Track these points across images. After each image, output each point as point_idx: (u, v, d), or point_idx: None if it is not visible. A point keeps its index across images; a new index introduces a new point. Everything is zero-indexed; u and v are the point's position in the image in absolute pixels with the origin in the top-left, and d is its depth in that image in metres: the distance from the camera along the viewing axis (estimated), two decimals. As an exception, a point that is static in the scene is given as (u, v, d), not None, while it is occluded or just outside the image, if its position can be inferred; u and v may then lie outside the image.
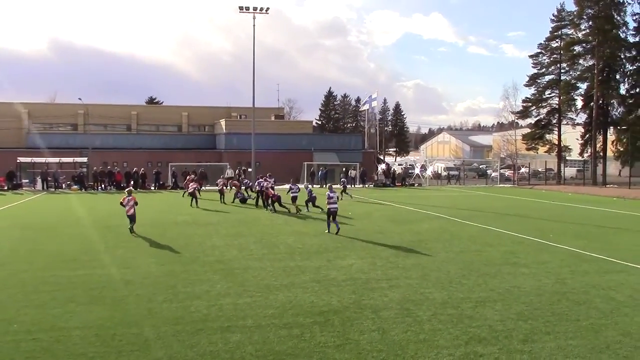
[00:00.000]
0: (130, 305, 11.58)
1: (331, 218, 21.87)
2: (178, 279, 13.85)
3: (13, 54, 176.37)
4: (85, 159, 50.27)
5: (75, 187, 45.42)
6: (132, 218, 21.49)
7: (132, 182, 44.93)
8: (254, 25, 50.51)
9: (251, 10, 50.20)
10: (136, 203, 21.77)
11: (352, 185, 52.02)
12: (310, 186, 32.04)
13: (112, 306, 11.51)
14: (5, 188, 44.24)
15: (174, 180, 48.09)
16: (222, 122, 66.97)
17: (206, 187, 43.32)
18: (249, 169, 50.03)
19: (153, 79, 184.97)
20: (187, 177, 39.24)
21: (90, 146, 53.21)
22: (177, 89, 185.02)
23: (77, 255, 16.92)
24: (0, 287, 13.05)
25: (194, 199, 32.24)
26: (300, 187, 30.73)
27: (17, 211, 30.27)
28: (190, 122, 74.79)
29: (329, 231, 21.79)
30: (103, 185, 46.42)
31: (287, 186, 30.95)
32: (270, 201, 29.42)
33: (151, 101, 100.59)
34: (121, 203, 21.80)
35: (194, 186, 33.42)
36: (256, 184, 32.77)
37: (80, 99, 59.05)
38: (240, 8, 50.19)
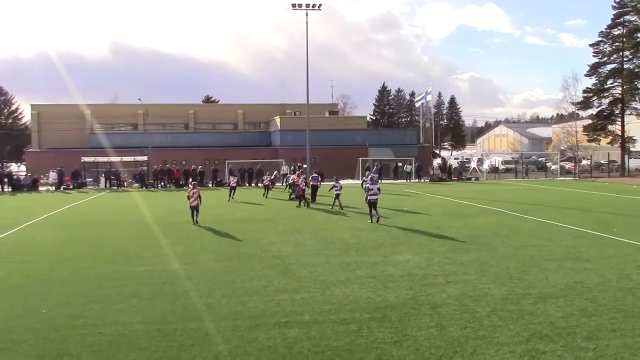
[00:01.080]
0: (190, 300, 11.82)
1: (372, 208, 23.25)
2: (236, 275, 14.06)
3: (76, 57, 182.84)
4: (145, 158, 51.65)
5: (136, 185, 46.78)
6: (196, 209, 23.58)
7: (190, 180, 45.82)
8: (306, 22, 50.71)
9: (304, 7, 50.37)
10: (200, 197, 23.77)
11: (408, 180, 51.75)
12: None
13: (173, 301, 11.78)
14: (71, 187, 45.91)
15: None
16: (277, 119, 67.51)
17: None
18: (305, 165, 50.26)
19: (209, 78, 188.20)
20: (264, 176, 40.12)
21: (150, 145, 54.55)
22: (232, 87, 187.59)
23: (139, 252, 17.39)
24: (66, 283, 13.52)
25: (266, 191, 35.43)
26: (342, 184, 30.14)
27: (81, 209, 31.32)
28: (245, 119, 75.68)
29: (371, 221, 23.09)
30: (163, 183, 47.59)
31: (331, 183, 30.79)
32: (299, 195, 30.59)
33: (207, 100, 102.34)
34: (188, 196, 23.91)
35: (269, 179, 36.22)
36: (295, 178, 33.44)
37: (139, 99, 60.70)
38: (293, 5, 50.43)
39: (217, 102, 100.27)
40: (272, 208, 29.74)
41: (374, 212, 23.32)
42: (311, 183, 32.95)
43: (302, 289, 12.64)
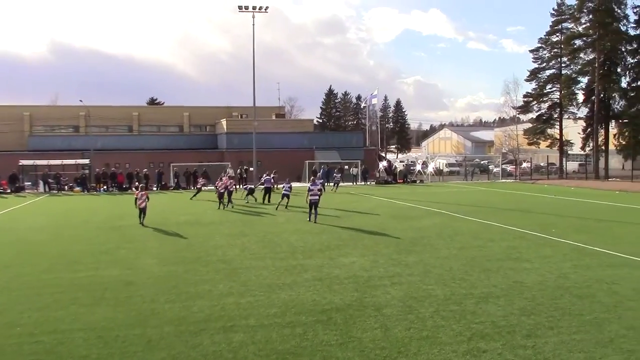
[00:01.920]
0: (133, 306, 11.58)
1: (312, 208, 24.50)
2: (180, 279, 13.86)
3: (14, 57, 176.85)
4: (87, 161, 50.39)
5: (78, 188, 45.51)
6: (143, 211, 24.11)
7: (136, 183, 45.03)
8: (253, 25, 50.42)
9: (250, 9, 50.11)
10: (148, 198, 24.40)
11: (354, 183, 52.08)
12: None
13: (114, 307, 11.52)
14: (8, 191, 44.30)
15: (176, 180, 48.19)
16: (223, 121, 66.99)
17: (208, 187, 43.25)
18: (251, 168, 50.00)
19: (153, 80, 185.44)
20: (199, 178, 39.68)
21: (92, 148, 53.27)
22: (177, 89, 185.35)
23: (80, 257, 16.93)
24: (3, 290, 13.06)
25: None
26: (291, 185, 31.97)
27: (19, 214, 30.32)
28: (191, 122, 74.85)
29: (309, 219, 24.39)
30: (105, 187, 46.49)
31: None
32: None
33: (152, 102, 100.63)
34: (136, 198, 24.61)
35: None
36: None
37: (81, 100, 59.10)
38: (240, 7, 50.08)
39: (162, 104, 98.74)
40: (218, 211, 29.45)
41: (313, 211, 24.52)
42: (265, 185, 34.12)
43: (248, 292, 12.55)
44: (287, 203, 29.72)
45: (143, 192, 24.62)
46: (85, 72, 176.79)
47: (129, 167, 51.42)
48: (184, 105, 79.06)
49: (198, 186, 37.64)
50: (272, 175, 35.95)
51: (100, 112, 67.28)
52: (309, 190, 25.01)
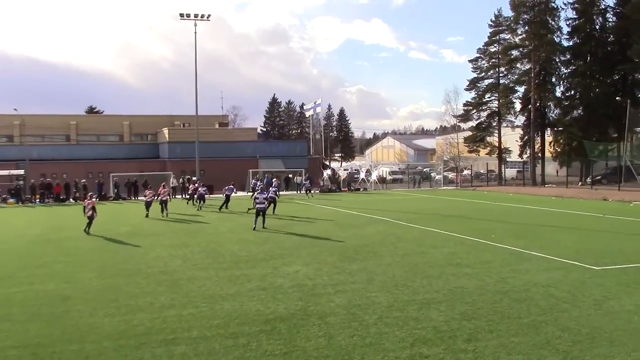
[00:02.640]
0: (70, 321, 11.21)
1: (259, 215, 25.16)
2: (120, 292, 13.51)
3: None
4: (21, 172, 48.68)
5: (12, 200, 43.85)
6: (90, 219, 24.20)
7: (76, 193, 43.94)
8: (195, 33, 50.07)
9: (192, 17, 49.68)
10: (94, 207, 24.59)
11: (299, 191, 52.07)
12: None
13: (50, 323, 11.12)
14: (-64, 204, 42.38)
15: (116, 191, 47.14)
16: (165, 130, 65.95)
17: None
18: (194, 178, 49.40)
19: (92, 88, 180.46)
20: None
21: (27, 158, 51.51)
22: (117, 97, 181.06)
23: (13, 272, 16.29)
24: None
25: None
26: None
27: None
28: (132, 131, 73.31)
29: (255, 228, 24.61)
30: (41, 198, 45.02)
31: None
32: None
33: (91, 110, 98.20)
34: (83, 207, 25.18)
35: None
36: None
37: (15, 109, 57.16)
38: (181, 15, 49.65)
39: (102, 112, 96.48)
40: (160, 222, 28.92)
41: (259, 219, 25.09)
42: (226, 193, 35.66)
43: (190, 304, 12.35)
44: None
45: (90, 201, 25.09)
46: (20, 80, 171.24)
47: (67, 178, 49.88)
48: (125, 114, 77.40)
49: (148, 199, 34.88)
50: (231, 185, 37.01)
51: (36, 121, 65.07)
52: (255, 198, 25.98)
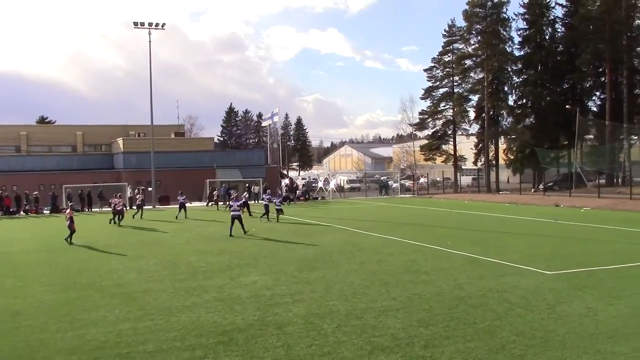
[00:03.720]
0: (20, 337, 10.86)
1: (234, 222, 26.04)
2: (73, 306, 13.17)
3: None
4: (-31, 184, 47.23)
5: (-41, 214, 42.51)
6: (69, 229, 24.42)
7: (27, 206, 42.77)
8: (149, 42, 49.44)
9: (146, 25, 49.10)
10: (72, 218, 24.67)
11: (255, 201, 51.80)
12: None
13: (-1, 340, 10.77)
14: None
15: (70, 203, 46.06)
16: (120, 141, 64.89)
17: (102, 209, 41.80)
18: (149, 189, 48.76)
19: (43, 97, 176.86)
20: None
21: (-25, 170, 50.05)
22: (70, 107, 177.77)
23: (-39, 287, 15.77)
24: None
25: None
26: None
27: None
28: (85, 141, 71.93)
29: (230, 234, 25.62)
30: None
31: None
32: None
33: (42, 120, 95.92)
34: (65, 217, 25.52)
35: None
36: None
37: (-37, 120, 55.52)
38: (135, 24, 48.99)
39: (54, 122, 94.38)
40: (115, 234, 28.40)
41: (236, 226, 26.05)
42: (180, 201, 37.33)
43: (146, 317, 12.12)
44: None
45: (68, 211, 25.55)
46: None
47: (17, 190, 48.52)
48: (77, 124, 75.90)
49: (119, 208, 33.76)
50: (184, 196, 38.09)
51: (-16, 132, 63.44)
52: (230, 206, 28.02)
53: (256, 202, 51.25)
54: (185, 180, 51.86)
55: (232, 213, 26.71)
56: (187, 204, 38.66)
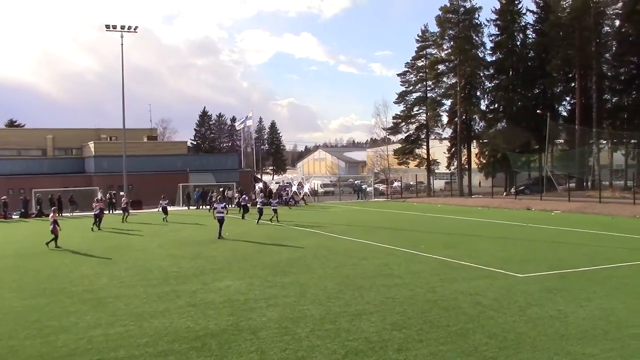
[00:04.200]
0: (-13, 345, 10.66)
1: (220, 224, 26.65)
2: (43, 313, 12.95)
3: None
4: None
5: None
6: (52, 233, 24.34)
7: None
8: (122, 45, 49.00)
9: (118, 28, 48.64)
10: (55, 221, 24.69)
11: (231, 205, 51.52)
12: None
13: (-34, 347, 10.54)
14: None
15: (38, 207, 45.36)
16: (91, 144, 64.14)
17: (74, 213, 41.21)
18: (122, 193, 48.20)
19: (13, 101, 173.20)
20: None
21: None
22: (40, 110, 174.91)
23: None
24: None
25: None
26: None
27: None
28: (55, 145, 70.92)
29: (219, 236, 26.25)
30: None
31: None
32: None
33: (11, 124, 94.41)
34: (50, 221, 25.27)
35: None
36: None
37: None
38: (107, 26, 48.52)
39: (23, 126, 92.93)
40: (87, 239, 28.02)
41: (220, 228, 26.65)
42: (163, 205, 38.41)
43: (117, 322, 11.96)
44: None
45: (52, 215, 25.52)
46: None
47: (-15, 194, 47.64)
48: (48, 127, 74.76)
49: (96, 212, 32.85)
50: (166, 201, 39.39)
51: (-48, 135, 62.18)
52: (214, 208, 28.60)
53: (231, 205, 51.04)
54: (158, 185, 51.33)
55: (216, 215, 27.18)
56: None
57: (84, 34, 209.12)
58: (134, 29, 49.43)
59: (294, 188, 62.42)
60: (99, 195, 45.14)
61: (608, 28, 59.61)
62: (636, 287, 14.35)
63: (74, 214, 44.89)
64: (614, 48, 58.98)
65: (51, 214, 26.06)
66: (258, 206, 35.49)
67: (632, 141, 57.51)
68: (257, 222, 33.79)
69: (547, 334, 10.46)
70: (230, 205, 50.65)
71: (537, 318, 11.57)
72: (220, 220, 26.77)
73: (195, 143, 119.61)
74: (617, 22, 58.90)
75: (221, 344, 10.33)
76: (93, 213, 32.79)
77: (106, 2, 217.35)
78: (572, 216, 36.25)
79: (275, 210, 35.61)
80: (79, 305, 13.66)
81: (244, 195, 43.13)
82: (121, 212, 38.68)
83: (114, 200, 45.78)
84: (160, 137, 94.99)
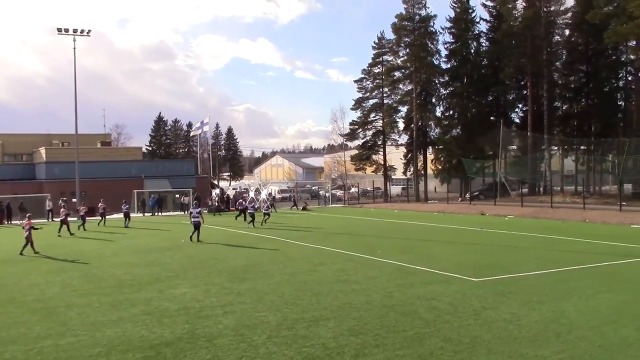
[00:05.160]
0: None
1: (195, 229, 27.80)
2: (-10, 324, 12.54)
3: None
4: None
5: None
6: (27, 240, 24.31)
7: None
8: (74, 48, 48.07)
9: (70, 32, 47.66)
10: (33, 227, 24.87)
11: (186, 212, 50.93)
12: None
13: None
14: None
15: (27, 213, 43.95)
16: (42, 150, 62.62)
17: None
18: (74, 199, 47.18)
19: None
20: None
21: None
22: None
23: None
24: None
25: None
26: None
27: None
28: (5, 151, 69.06)
29: (190, 239, 27.47)
30: None
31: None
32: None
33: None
34: (23, 227, 25.20)
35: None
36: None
37: None
38: (59, 30, 47.51)
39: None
40: (37, 246, 27.20)
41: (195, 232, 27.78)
42: (124, 211, 39.10)
43: (69, 332, 11.65)
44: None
45: (27, 222, 25.19)
46: None
47: None
48: (-3, 133, 72.72)
49: (62, 218, 32.50)
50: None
51: None
52: (190, 213, 30.09)
53: (185, 212, 50.50)
54: (112, 191, 50.37)
55: (193, 220, 28.18)
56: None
57: (33, 37, 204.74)
58: (87, 33, 48.52)
59: (252, 194, 62.10)
60: (49, 204, 44.19)
61: (558, 37, 61.35)
62: (586, 290, 14.70)
63: (23, 221, 43.60)
64: (564, 57, 60.70)
65: (26, 221, 25.46)
66: (249, 211, 36.49)
67: (582, 147, 59.20)
68: (249, 223, 35.43)
69: (501, 337, 10.62)
70: (185, 212, 50.17)
71: (492, 321, 11.74)
72: (196, 225, 27.72)
73: (150, 149, 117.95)
74: (567, 32, 60.65)
75: (176, 352, 10.17)
76: (60, 219, 32.82)
77: (57, 4, 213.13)
78: (525, 221, 37.00)
79: (266, 214, 38.06)
80: (29, 315, 13.26)
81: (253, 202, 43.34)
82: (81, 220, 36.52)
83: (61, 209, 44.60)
84: (114, 142, 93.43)
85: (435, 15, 63.44)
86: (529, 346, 10.06)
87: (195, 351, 10.19)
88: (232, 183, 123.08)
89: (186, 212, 50.68)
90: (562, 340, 10.42)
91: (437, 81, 65.63)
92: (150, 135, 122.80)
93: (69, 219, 32.63)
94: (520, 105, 65.76)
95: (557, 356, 9.53)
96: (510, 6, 59.81)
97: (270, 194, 61.45)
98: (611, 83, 57.89)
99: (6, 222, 43.53)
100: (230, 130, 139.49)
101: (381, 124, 68.19)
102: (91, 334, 11.51)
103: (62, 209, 33.44)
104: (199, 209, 29.99)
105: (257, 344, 10.51)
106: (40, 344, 10.87)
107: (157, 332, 11.50)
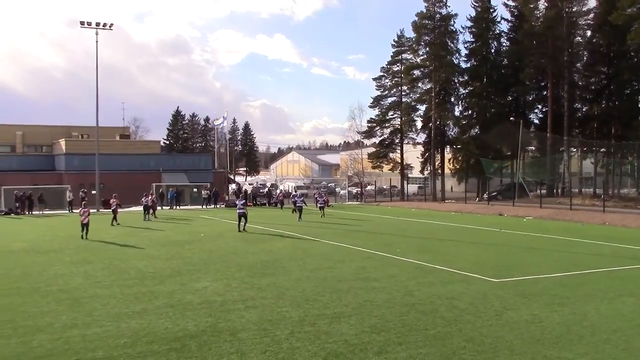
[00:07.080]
0: (-40, 345, 10.47)
1: (241, 219, 29.90)
2: (16, 312, 12.74)
3: None
4: None
5: None
6: (85, 226, 26.39)
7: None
8: (97, 42, 48.41)
9: (93, 25, 48.04)
10: (89, 213, 27.02)
11: (204, 206, 51.26)
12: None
13: (-62, 347, 10.34)
14: None
15: (17, 205, 44.56)
16: (62, 142, 63.17)
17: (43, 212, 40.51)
18: (93, 191, 47.62)
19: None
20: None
21: None
22: (8, 107, 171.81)
23: None
24: None
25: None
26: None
27: None
28: (25, 142, 69.72)
29: (239, 230, 29.41)
30: None
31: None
32: None
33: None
34: (80, 214, 27.02)
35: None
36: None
37: None
38: (82, 23, 47.88)
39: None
40: (58, 238, 27.60)
41: (242, 223, 29.80)
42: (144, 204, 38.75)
43: (94, 323, 11.84)
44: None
45: (86, 209, 26.88)
46: None
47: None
48: (17, 124, 73.38)
49: (113, 208, 34.30)
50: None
51: None
52: (236, 205, 32.29)
53: (204, 207, 50.84)
54: (130, 184, 50.80)
55: (238, 211, 30.10)
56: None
57: (51, 30, 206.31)
58: (110, 26, 48.87)
59: (281, 189, 62.09)
60: (69, 195, 44.59)
61: (580, 38, 60.68)
62: (608, 293, 14.64)
63: (44, 212, 44.21)
64: (585, 58, 60.10)
65: (86, 209, 27.05)
66: (298, 205, 37.94)
67: (601, 150, 58.66)
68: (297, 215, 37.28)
69: (524, 338, 10.63)
70: (204, 206, 50.47)
71: (513, 322, 11.75)
72: (242, 214, 29.71)
73: (168, 143, 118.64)
74: (589, 33, 60.02)
75: (201, 345, 10.30)
76: (111, 209, 34.74)
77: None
78: (544, 222, 36.80)
79: (300, 208, 37.91)
80: (54, 305, 13.48)
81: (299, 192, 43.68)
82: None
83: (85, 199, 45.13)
84: (132, 136, 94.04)
85: (456, 14, 63.02)
86: (552, 348, 10.07)
87: (219, 344, 10.32)
88: (248, 178, 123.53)
89: (205, 207, 51.09)
90: (585, 342, 10.42)
91: (456, 80, 65.27)
92: (167, 129, 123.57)
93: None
94: (539, 106, 65.18)
95: (581, 358, 9.54)
96: (532, 6, 59.24)
97: (259, 189, 61.64)
98: (632, 85, 57.16)
99: (27, 212, 44.05)
100: (247, 126, 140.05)
101: (399, 123, 68.00)
102: (116, 324, 11.68)
103: (112, 200, 34.91)
104: (244, 200, 32.14)
105: (280, 339, 10.61)
106: (67, 334, 11.05)
107: (181, 324, 11.65)
